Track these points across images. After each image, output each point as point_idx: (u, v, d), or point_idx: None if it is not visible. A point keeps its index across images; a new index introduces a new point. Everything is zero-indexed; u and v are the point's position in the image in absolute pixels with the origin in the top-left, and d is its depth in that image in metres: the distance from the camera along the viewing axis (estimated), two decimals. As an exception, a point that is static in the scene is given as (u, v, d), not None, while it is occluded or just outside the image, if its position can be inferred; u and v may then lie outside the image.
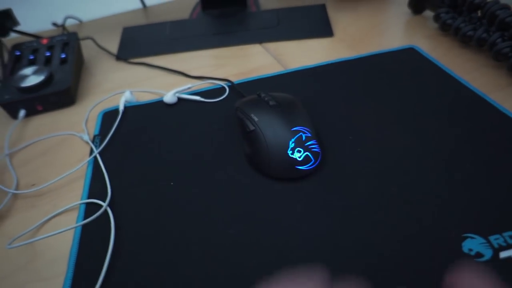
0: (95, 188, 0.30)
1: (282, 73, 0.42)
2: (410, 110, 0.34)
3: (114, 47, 0.52)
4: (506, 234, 0.24)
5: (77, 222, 0.28)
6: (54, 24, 0.59)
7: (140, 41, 0.51)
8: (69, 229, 0.26)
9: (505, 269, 0.22)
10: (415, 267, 0.22)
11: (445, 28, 0.45)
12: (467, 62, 0.41)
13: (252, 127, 0.30)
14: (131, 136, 0.35)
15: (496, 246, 0.23)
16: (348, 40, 0.48)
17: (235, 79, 0.42)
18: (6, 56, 0.46)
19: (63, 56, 0.43)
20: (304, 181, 0.29)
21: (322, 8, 0.53)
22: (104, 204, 0.28)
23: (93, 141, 0.35)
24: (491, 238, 0.23)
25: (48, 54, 0.44)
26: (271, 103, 0.31)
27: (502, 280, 0.21)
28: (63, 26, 0.57)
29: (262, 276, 0.23)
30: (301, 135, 0.29)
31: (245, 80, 0.41)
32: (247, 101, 0.33)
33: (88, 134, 0.37)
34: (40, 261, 0.26)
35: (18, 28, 0.47)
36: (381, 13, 0.53)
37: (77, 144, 0.36)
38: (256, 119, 0.30)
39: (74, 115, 0.40)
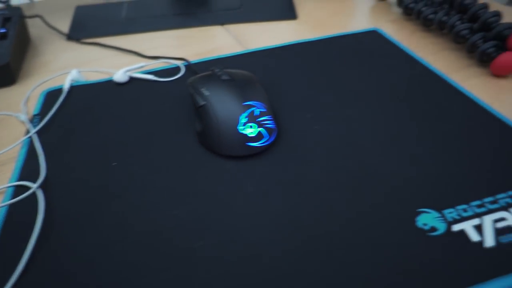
0: (28, 170, 0.27)
1: (241, 53, 0.40)
2: (369, 90, 0.33)
3: (65, 26, 0.49)
4: (459, 207, 0.23)
5: (2, 210, 0.25)
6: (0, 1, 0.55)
7: (95, 21, 0.48)
8: (-9, 212, 0.23)
9: (457, 242, 0.21)
10: (369, 243, 0.21)
11: (408, 12, 0.45)
12: (429, 44, 0.40)
13: (202, 102, 0.28)
14: (76, 115, 0.33)
15: (450, 219, 0.22)
16: (312, 23, 0.46)
17: (193, 59, 0.40)
18: None
19: (3, 30, 0.40)
20: (257, 158, 0.27)
21: (287, -10, 0.51)
22: (34, 185, 0.25)
23: (31, 121, 0.32)
24: (445, 212, 0.23)
25: (-14, 29, 0.40)
26: (223, 77, 0.29)
27: (454, 252, 0.20)
28: (7, 2, 0.52)
29: (207, 258, 0.21)
30: (253, 110, 0.27)
31: (203, 60, 0.39)
32: (199, 76, 0.31)
33: (27, 114, 0.34)
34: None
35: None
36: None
37: (13, 125, 0.33)
38: (206, 93, 0.28)
39: (14, 95, 0.37)
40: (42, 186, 0.26)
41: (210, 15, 0.48)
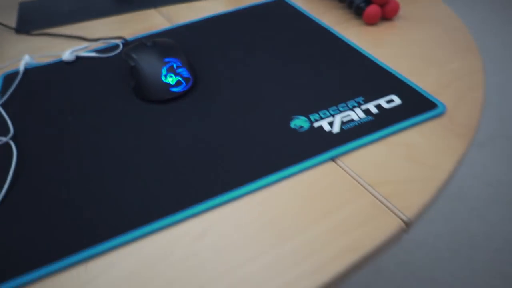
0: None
1: (168, 28, 0.48)
2: (271, 44, 0.42)
3: (12, 21, 0.54)
4: (321, 112, 0.32)
5: (-17, 157, 0.32)
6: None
7: (40, 14, 0.54)
8: (-26, 159, 0.31)
9: (316, 132, 0.30)
10: (259, 140, 0.30)
11: (307, -18, 0.54)
12: (322, 6, 0.50)
13: (132, 63, 0.36)
14: (32, 90, 0.40)
15: (313, 120, 0.31)
16: (232, -1, 0.55)
17: (129, 37, 0.47)
18: None
19: (-42, 30, 0.45)
20: (179, 101, 0.35)
21: (209, -26, 0.59)
22: (5, 138, 0.32)
23: (-5, 98, 0.39)
24: (311, 116, 0.32)
25: None
26: (148, 44, 0.37)
27: (314, 139, 0.30)
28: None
29: (143, 163, 0.29)
30: (172, 64, 0.35)
31: (137, 37, 0.47)
32: (131, 46, 0.38)
33: (-9, 94, 0.40)
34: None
35: None
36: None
37: (-20, 103, 0.40)
38: (135, 56, 0.36)
39: (-23, 82, 0.43)
40: (12, 139, 0.33)
41: (143, 1, 0.55)
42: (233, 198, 0.27)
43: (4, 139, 0.33)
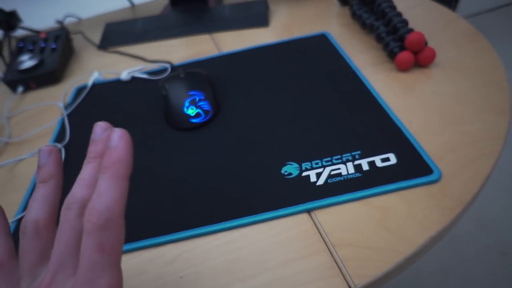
0: (59, 137, 0.43)
1: (213, 56, 0.53)
2: (296, 80, 0.44)
3: (98, 39, 0.65)
4: (314, 161, 0.34)
5: (43, 158, 0.41)
6: (58, 22, 0.73)
7: (117, 34, 0.64)
8: (30, 157, 0.39)
9: (302, 181, 0.32)
10: (252, 178, 0.33)
11: (354, 17, 0.54)
12: (361, 44, 0.50)
13: (164, 93, 0.41)
14: (94, 103, 0.48)
15: (303, 169, 0.33)
16: (279, 29, 0.58)
17: (179, 61, 0.54)
18: (12, 46, 0.60)
19: (53, 46, 0.57)
20: (198, 131, 0.40)
21: (263, 2, 0.63)
22: (60, 145, 0.41)
23: (65, 108, 0.48)
24: (303, 164, 0.34)
25: (43, 45, 0.57)
26: (181, 75, 0.42)
27: (298, 187, 0.31)
28: (61, 23, 0.70)
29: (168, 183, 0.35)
30: (195, 97, 0.40)
31: (184, 62, 0.53)
32: (167, 76, 0.44)
33: (64, 103, 0.50)
34: (16, 180, 0.39)
35: (30, 24, 0.61)
36: (316, 5, 0.62)
37: (55, 110, 0.49)
38: (167, 87, 0.41)
39: (58, 90, 0.54)
40: (65, 146, 0.41)
41: (201, 25, 0.62)
42: (206, 232, 0.30)
43: (59, 145, 0.41)
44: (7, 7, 0.61)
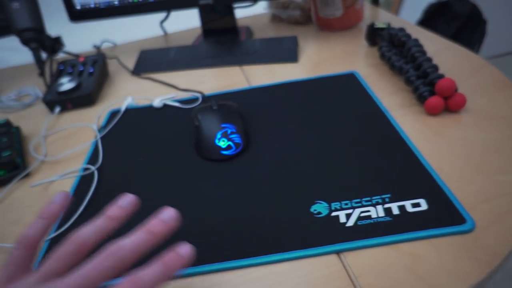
0: (92, 159, 0.45)
1: (243, 89, 0.54)
2: (325, 119, 0.45)
3: (132, 64, 0.68)
4: (343, 202, 0.34)
5: (76, 179, 0.42)
6: (95, 47, 0.77)
7: (151, 61, 0.67)
8: (68, 177, 0.41)
9: (331, 221, 0.32)
10: (280, 219, 0.33)
11: (383, 58, 0.55)
12: (390, 85, 0.51)
13: (196, 123, 0.43)
14: (125, 129, 0.50)
15: (333, 208, 0.33)
16: (308, 66, 0.59)
17: (210, 92, 0.55)
18: (54, 69, 0.63)
19: (91, 70, 0.60)
20: (228, 162, 0.41)
21: (294, 39, 0.65)
22: (93, 168, 0.42)
23: (99, 130, 0.50)
24: (332, 203, 0.34)
25: (81, 68, 0.60)
26: (214, 107, 0.44)
27: (327, 227, 0.32)
28: (98, 48, 0.74)
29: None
30: (227, 130, 0.41)
31: (215, 93, 0.54)
32: (200, 106, 0.46)
33: (98, 125, 0.52)
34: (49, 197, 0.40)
35: (68, 49, 0.65)
36: (344, 44, 0.64)
37: (89, 132, 0.51)
38: (200, 117, 0.43)
39: (92, 112, 0.56)
40: (98, 169, 0.42)
41: (232, 58, 0.64)
42: (234, 267, 0.30)
43: (92, 168, 0.43)
44: (51, 32, 0.65)
